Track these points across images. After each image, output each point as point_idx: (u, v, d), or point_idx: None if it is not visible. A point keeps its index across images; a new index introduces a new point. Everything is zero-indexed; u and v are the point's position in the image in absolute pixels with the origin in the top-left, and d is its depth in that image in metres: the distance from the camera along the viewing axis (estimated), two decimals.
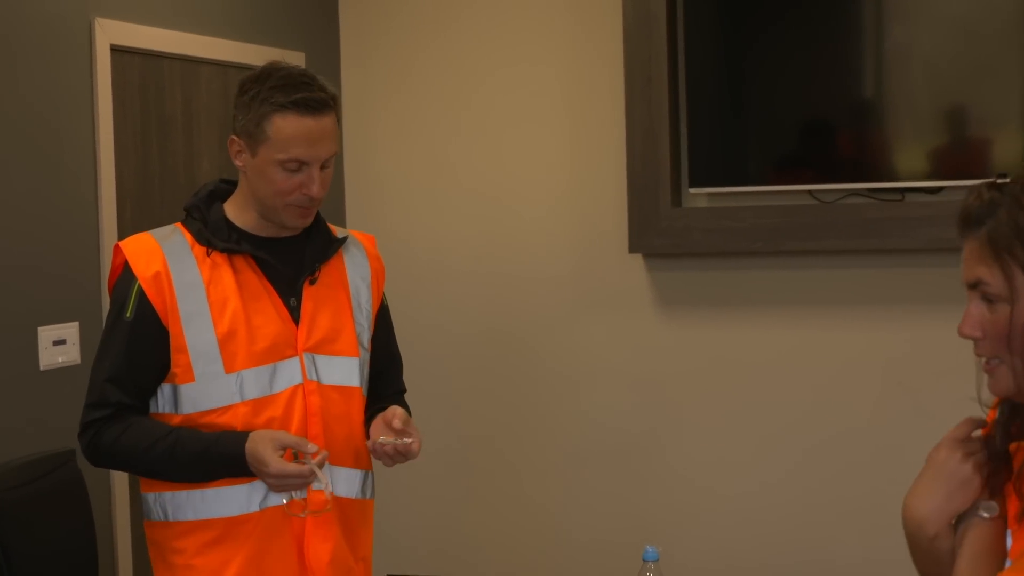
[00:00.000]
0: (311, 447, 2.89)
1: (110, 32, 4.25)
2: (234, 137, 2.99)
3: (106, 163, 4.24)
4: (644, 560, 3.29)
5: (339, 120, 3.04)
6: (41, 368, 3.98)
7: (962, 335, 2.01)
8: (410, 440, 3.00)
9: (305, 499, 2.96)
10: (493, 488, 5.32)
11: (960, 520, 2.12)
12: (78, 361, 4.06)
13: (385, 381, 3.29)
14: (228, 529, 2.95)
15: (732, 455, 4.94)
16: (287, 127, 2.90)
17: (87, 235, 4.19)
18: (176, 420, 2.94)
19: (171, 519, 2.98)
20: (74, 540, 3.69)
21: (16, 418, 3.87)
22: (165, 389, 2.95)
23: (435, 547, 5.38)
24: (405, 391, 3.41)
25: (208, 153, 4.75)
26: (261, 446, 2.87)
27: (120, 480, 4.23)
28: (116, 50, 4.31)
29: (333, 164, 3.03)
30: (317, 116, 2.92)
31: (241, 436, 2.90)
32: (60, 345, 4.04)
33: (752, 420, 4.90)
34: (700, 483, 4.99)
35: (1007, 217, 1.93)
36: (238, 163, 3.00)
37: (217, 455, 2.90)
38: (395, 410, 3.04)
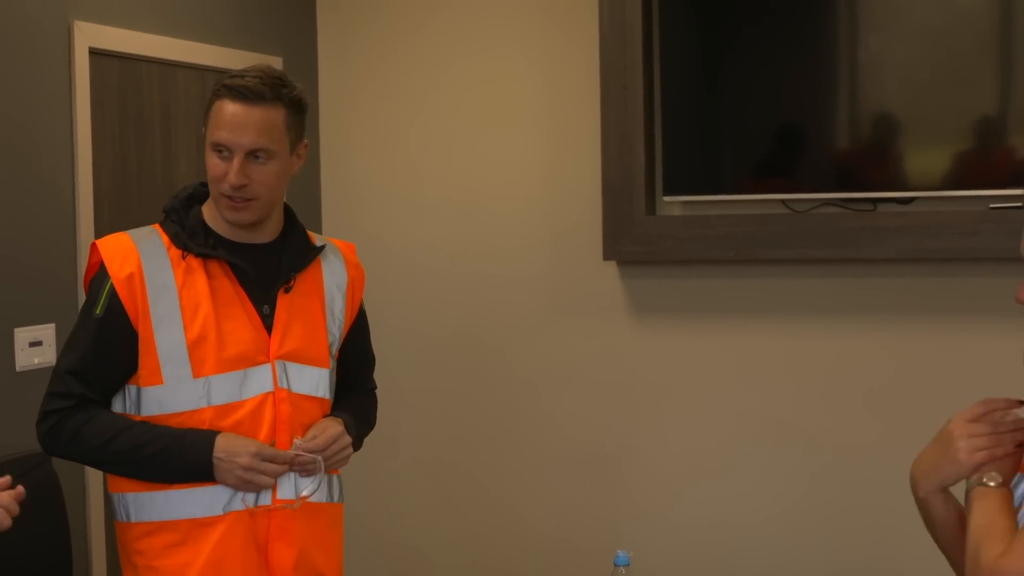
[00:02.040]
0: (284, 452, 2.95)
1: (89, 35, 4.26)
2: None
3: (84, 165, 4.25)
4: (615, 565, 3.32)
5: (291, 121, 3.02)
6: (17, 369, 3.98)
7: (1017, 300, 2.23)
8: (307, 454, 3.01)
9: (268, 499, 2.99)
10: (465, 492, 5.34)
11: (968, 490, 2.27)
12: (54, 362, 4.05)
13: (358, 382, 3.34)
14: (191, 531, 2.96)
15: (703, 461, 4.96)
16: (219, 110, 2.96)
17: (64, 237, 4.20)
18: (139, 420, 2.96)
19: (134, 520, 3.00)
20: (48, 542, 3.69)
21: None
22: (131, 391, 2.97)
23: (407, 552, 5.39)
24: (375, 387, 3.44)
25: (186, 156, 4.76)
26: (235, 437, 2.92)
27: (95, 482, 4.24)
28: (94, 53, 4.32)
29: (276, 164, 3.00)
30: (248, 104, 2.94)
31: (210, 432, 2.93)
32: (36, 346, 4.04)
33: (724, 427, 4.92)
34: (671, 489, 5.01)
35: None
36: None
37: (180, 449, 2.91)
38: (324, 427, 3.07)
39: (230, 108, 2.94)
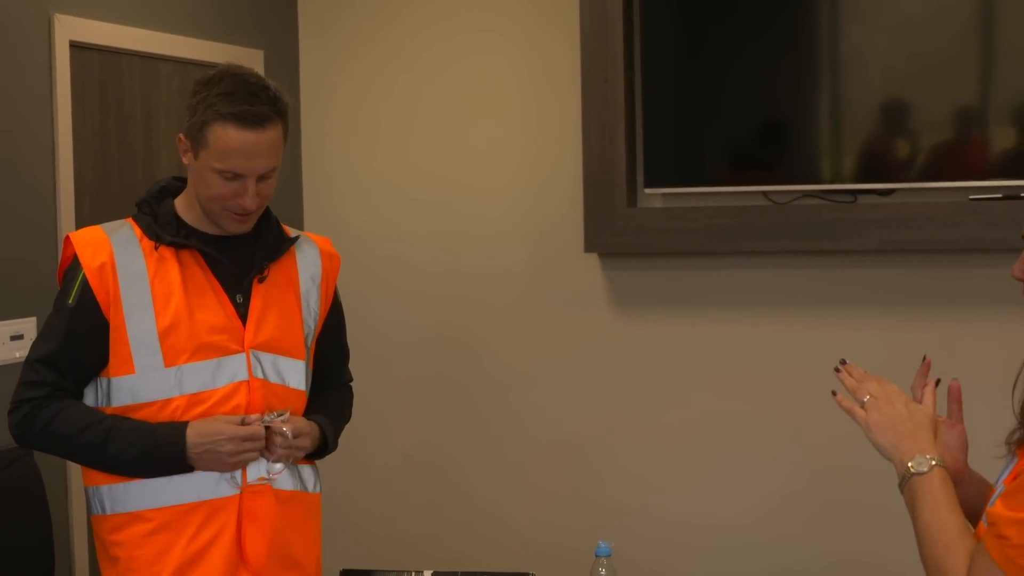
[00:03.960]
0: (253, 416, 2.96)
1: (69, 28, 4.26)
2: (181, 136, 3.02)
3: (65, 159, 4.25)
4: (597, 556, 3.33)
5: (286, 130, 3.02)
6: None
7: (1014, 277, 2.28)
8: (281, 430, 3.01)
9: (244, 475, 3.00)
10: (446, 485, 5.35)
11: (902, 482, 2.30)
12: None
13: (334, 375, 3.34)
14: (167, 520, 2.97)
15: (685, 454, 4.98)
16: (226, 138, 2.91)
17: (45, 230, 4.19)
18: (109, 412, 2.97)
19: (109, 512, 3.00)
20: (30, 536, 3.69)
21: None
22: (102, 382, 2.97)
23: (388, 544, 5.39)
24: (351, 380, 3.45)
25: (167, 149, 4.75)
26: (208, 422, 2.92)
27: (76, 476, 4.23)
28: (75, 46, 4.31)
29: (277, 175, 3.02)
30: (258, 130, 2.92)
31: (180, 424, 2.94)
32: (17, 340, 4.04)
33: (706, 418, 4.94)
34: (653, 480, 5.02)
35: None
36: (184, 161, 3.02)
37: (153, 443, 2.92)
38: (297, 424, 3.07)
39: (238, 136, 2.90)
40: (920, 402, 2.43)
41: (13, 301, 4.06)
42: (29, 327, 4.08)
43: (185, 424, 2.93)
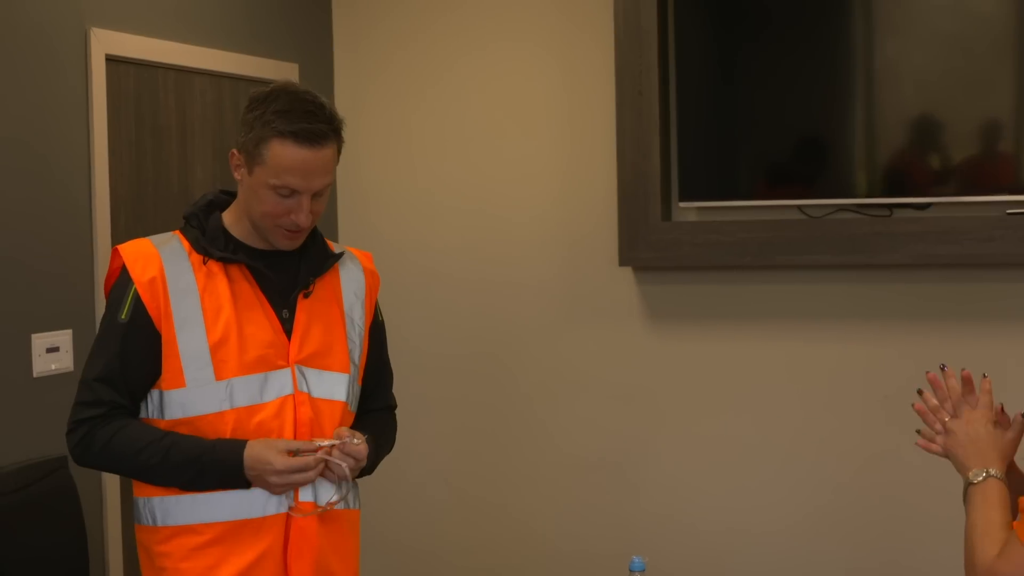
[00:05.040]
0: (317, 442, 2.94)
1: (105, 42, 4.27)
2: (235, 151, 3.01)
3: (100, 172, 4.26)
4: (631, 570, 3.32)
5: (340, 148, 3.03)
6: (34, 375, 3.99)
7: None
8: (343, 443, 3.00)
9: (295, 504, 2.99)
10: (480, 498, 5.34)
11: (964, 491, 2.48)
12: (71, 368, 4.07)
13: (376, 396, 3.32)
14: (216, 535, 2.97)
15: (719, 467, 4.96)
16: (283, 155, 2.91)
17: (81, 243, 4.21)
18: (163, 426, 2.96)
19: (160, 524, 3.00)
20: (65, 547, 3.70)
21: (9, 425, 3.88)
22: (153, 395, 2.97)
23: (423, 558, 5.39)
24: (395, 406, 3.43)
25: (202, 162, 4.77)
26: (263, 447, 2.91)
27: (112, 487, 4.24)
28: (111, 60, 4.33)
29: (328, 192, 3.04)
30: (315, 148, 2.93)
31: (239, 442, 2.93)
32: (53, 352, 4.05)
33: (739, 432, 4.92)
34: (687, 494, 5.01)
35: None
36: (236, 176, 3.02)
37: (211, 460, 2.91)
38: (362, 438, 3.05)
39: (297, 154, 2.92)
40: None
41: (49, 314, 4.07)
42: (65, 339, 4.10)
43: (244, 444, 2.93)
